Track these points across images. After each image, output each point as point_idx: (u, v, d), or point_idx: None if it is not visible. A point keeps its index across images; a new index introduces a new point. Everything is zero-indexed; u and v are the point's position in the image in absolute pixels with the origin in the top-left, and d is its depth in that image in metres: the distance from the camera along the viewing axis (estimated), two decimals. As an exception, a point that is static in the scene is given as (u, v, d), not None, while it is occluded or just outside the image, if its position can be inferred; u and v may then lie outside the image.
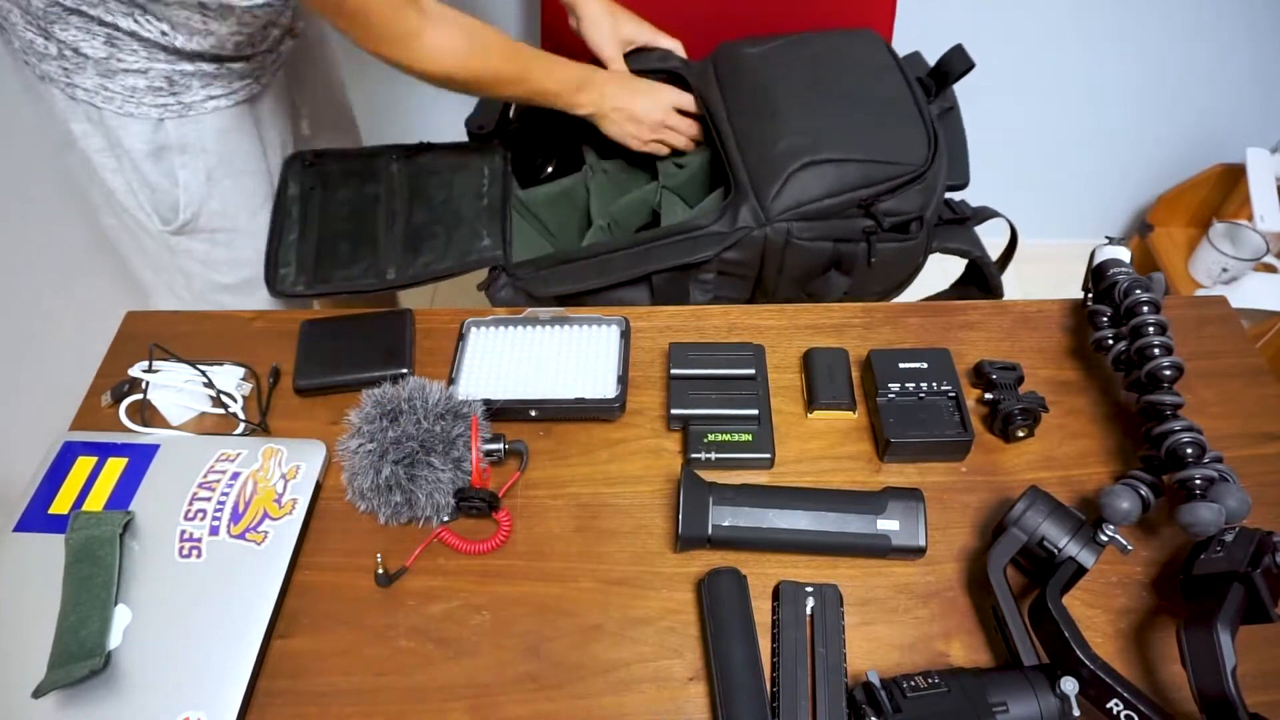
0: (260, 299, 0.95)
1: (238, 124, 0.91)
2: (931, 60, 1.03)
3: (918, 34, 1.24)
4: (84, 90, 0.82)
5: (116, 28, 0.78)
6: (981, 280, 1.01)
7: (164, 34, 0.79)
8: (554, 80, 0.93)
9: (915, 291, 1.01)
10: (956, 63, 0.98)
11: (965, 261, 1.00)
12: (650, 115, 0.98)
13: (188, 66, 0.83)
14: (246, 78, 0.89)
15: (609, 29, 1.02)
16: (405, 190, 0.99)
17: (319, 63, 1.07)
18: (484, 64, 0.87)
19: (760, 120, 0.92)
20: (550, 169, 1.11)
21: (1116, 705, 0.53)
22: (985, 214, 1.00)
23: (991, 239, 1.01)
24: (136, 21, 0.78)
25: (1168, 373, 0.66)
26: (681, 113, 1.00)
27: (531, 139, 1.07)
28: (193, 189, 0.90)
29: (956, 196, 1.00)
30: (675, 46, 1.06)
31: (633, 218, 1.03)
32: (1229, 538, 0.59)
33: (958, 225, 0.98)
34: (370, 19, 0.79)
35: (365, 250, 0.94)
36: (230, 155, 0.91)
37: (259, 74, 0.91)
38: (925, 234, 0.91)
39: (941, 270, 1.02)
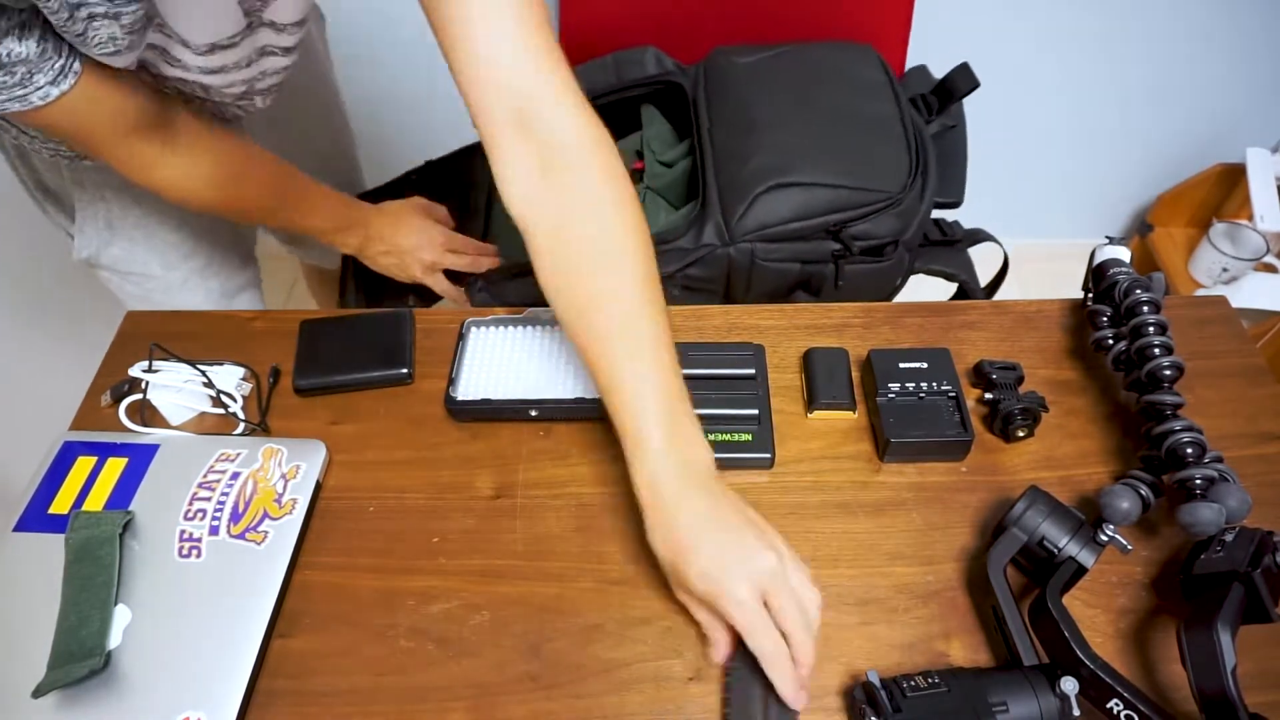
0: None
1: None
2: (937, 71, 1.02)
3: (920, 33, 1.25)
4: None
5: None
6: None
7: None
8: (316, 218, 0.88)
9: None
10: (961, 82, 0.96)
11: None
12: (419, 256, 0.94)
13: None
14: None
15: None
16: None
17: (300, 116, 1.02)
18: (233, 194, 0.80)
19: (736, 136, 0.91)
20: None
21: (1116, 705, 0.53)
22: (978, 237, 0.98)
23: (989, 258, 1.00)
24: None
25: (1168, 373, 0.66)
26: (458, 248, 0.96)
27: None
28: (88, 233, 0.88)
29: (950, 216, 0.99)
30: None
31: None
32: (1229, 538, 0.59)
33: (945, 247, 0.96)
34: (93, 144, 0.68)
35: (393, 282, 0.97)
36: (137, 209, 0.88)
37: None
38: (902, 256, 0.90)
39: (944, 291, 1.02)
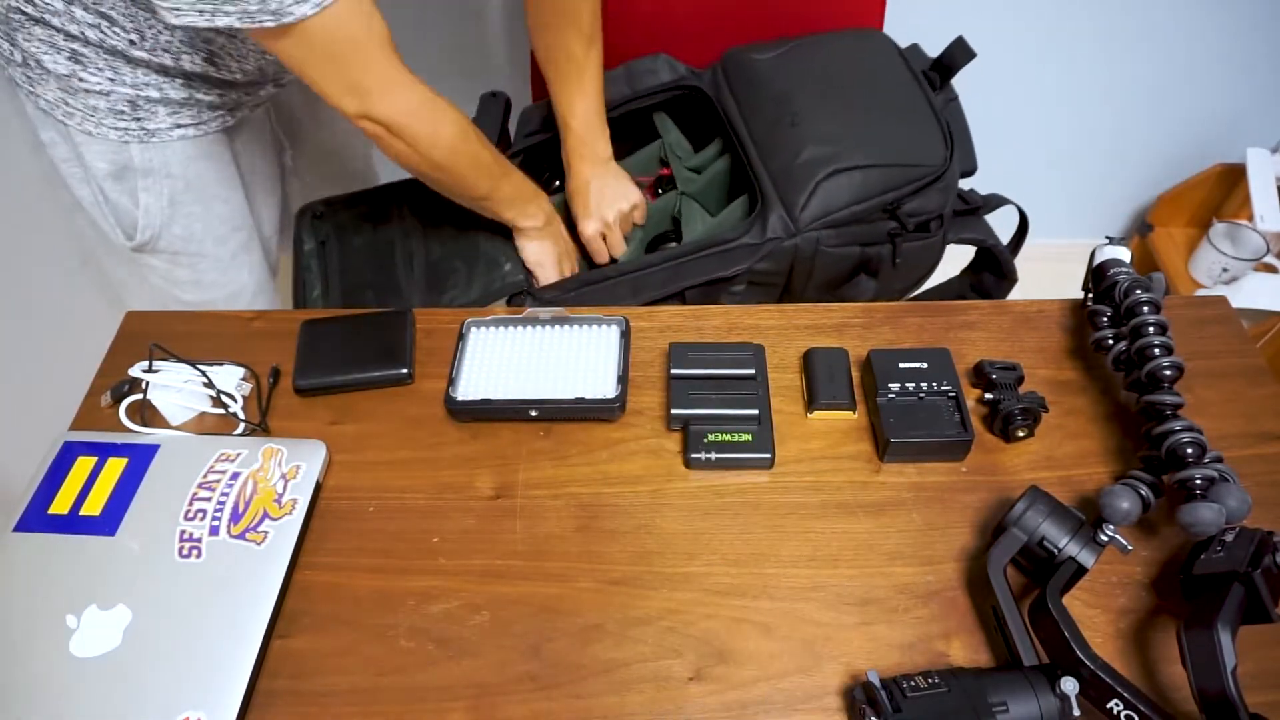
0: None
1: (208, 153, 0.89)
2: (928, 53, 1.03)
3: (908, 36, 1.24)
4: (46, 101, 0.81)
5: (84, 40, 0.76)
6: (995, 265, 1.01)
7: (131, 43, 0.77)
8: (514, 186, 0.90)
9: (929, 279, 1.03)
10: (959, 55, 0.98)
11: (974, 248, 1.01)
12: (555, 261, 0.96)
13: (153, 93, 0.81)
14: (219, 109, 0.87)
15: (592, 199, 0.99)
16: (419, 227, 0.98)
17: (309, 100, 1.04)
18: (465, 139, 0.83)
19: (780, 129, 0.92)
20: (558, 183, 1.10)
21: (1116, 705, 0.53)
22: (995, 201, 1.02)
23: (999, 225, 1.02)
24: (103, 32, 0.75)
25: (1168, 373, 0.66)
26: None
27: (536, 155, 1.06)
28: (153, 212, 0.89)
29: (966, 185, 1.00)
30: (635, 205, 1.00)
31: (652, 226, 1.03)
32: (1229, 538, 0.59)
33: (970, 215, 0.98)
34: (358, 58, 0.71)
35: (389, 296, 0.94)
36: (198, 183, 0.90)
37: (234, 108, 0.89)
38: (944, 229, 0.92)
39: (951, 256, 1.03)
